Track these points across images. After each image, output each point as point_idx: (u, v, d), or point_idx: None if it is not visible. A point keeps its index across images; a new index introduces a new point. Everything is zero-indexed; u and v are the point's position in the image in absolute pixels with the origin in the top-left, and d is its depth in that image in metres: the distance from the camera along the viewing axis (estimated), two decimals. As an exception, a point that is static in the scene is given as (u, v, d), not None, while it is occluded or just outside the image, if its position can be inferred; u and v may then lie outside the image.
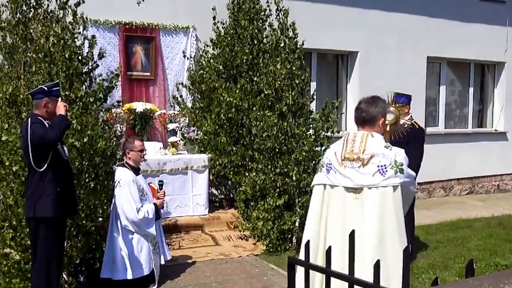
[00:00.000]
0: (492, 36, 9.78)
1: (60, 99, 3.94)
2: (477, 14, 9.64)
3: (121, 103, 6.39)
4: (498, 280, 1.37)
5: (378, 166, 2.86)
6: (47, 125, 3.82)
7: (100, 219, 4.89)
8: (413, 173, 3.13)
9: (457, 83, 10.28)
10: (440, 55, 9.45)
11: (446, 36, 9.32)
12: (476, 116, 10.45)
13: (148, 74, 7.24)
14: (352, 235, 1.86)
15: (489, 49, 9.84)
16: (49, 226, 3.86)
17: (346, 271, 1.69)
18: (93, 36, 5.08)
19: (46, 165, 3.79)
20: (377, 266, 1.68)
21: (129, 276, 4.51)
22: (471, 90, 10.25)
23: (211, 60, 7.12)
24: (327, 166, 3.07)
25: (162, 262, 4.87)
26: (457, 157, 9.56)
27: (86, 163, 4.62)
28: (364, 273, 2.06)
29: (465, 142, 9.79)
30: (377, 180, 2.86)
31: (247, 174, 6.44)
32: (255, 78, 6.60)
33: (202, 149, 7.01)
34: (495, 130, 10.39)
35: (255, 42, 6.83)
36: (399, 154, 2.94)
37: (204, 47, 7.25)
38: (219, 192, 7.37)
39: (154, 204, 4.72)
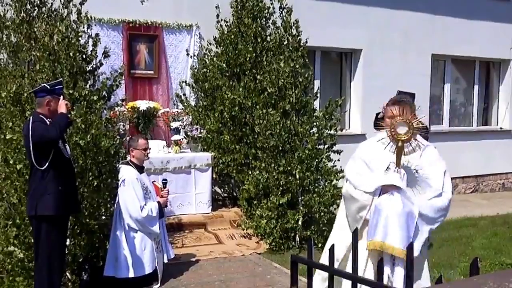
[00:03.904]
0: (497, 33, 9.72)
1: (62, 97, 3.94)
2: (482, 11, 9.58)
3: (124, 102, 6.39)
4: (503, 279, 1.36)
5: None
6: (49, 123, 3.82)
7: (104, 217, 4.89)
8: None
9: (462, 81, 10.23)
10: (445, 52, 9.41)
11: (451, 34, 9.27)
12: (481, 114, 10.39)
13: (152, 72, 7.24)
14: (355, 233, 1.85)
15: (494, 46, 9.78)
16: (50, 224, 3.87)
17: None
18: (97, 34, 5.08)
19: (47, 163, 3.79)
20: (380, 262, 1.67)
21: (132, 274, 4.52)
22: (476, 88, 10.19)
23: (215, 59, 7.11)
24: None
25: (165, 261, 4.87)
26: (461, 155, 9.50)
27: (90, 162, 4.63)
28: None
29: (469, 140, 9.73)
30: None
31: (250, 172, 6.43)
32: (258, 76, 6.59)
33: (205, 147, 7.00)
34: (500, 128, 10.34)
35: (259, 40, 6.82)
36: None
37: (208, 45, 7.25)
38: (222, 190, 7.37)
39: (158, 202, 4.73)
